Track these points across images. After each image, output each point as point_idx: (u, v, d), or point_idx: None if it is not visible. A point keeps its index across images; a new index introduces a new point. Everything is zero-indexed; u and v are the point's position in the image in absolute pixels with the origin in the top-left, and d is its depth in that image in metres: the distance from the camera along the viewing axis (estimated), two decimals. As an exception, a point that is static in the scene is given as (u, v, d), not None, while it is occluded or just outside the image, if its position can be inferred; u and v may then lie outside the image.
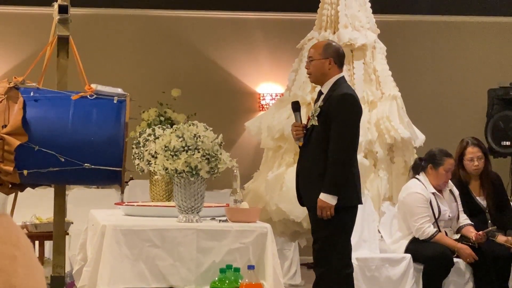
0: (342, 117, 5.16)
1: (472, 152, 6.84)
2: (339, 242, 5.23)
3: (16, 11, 10.37)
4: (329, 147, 5.13)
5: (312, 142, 5.24)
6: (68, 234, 6.03)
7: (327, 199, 5.10)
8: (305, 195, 5.32)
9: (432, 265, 6.38)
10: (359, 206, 5.34)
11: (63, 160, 4.99)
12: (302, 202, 5.42)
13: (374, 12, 7.59)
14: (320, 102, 5.25)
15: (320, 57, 5.30)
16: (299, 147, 5.40)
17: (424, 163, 6.69)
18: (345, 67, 7.23)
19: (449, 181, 6.71)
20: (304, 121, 5.42)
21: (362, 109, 5.40)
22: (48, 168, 5.02)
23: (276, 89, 10.77)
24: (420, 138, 7.34)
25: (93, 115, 5.09)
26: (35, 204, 6.97)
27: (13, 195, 5.58)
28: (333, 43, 5.52)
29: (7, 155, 5.00)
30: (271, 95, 10.76)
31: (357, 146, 5.34)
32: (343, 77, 5.37)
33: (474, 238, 6.47)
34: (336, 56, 5.33)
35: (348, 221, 5.30)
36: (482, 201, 6.88)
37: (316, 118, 5.21)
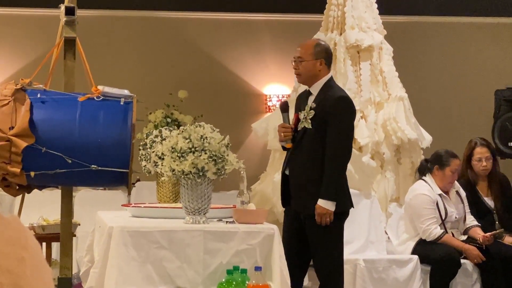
0: (340, 120, 5.02)
1: (480, 152, 6.84)
2: (337, 250, 5.15)
3: (23, 13, 10.39)
4: (326, 151, 4.98)
5: (305, 146, 5.09)
6: (75, 235, 6.03)
7: (326, 205, 4.96)
8: (299, 201, 5.15)
9: (439, 266, 6.37)
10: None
11: (70, 161, 4.99)
12: (284, 205, 5.28)
13: (380, 13, 7.59)
14: (312, 104, 5.11)
15: (311, 58, 5.16)
16: (286, 149, 5.26)
17: (430, 164, 6.69)
18: (352, 68, 7.26)
19: (456, 183, 6.71)
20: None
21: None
22: (55, 169, 5.03)
23: (282, 90, 10.76)
24: (427, 139, 7.34)
25: (100, 116, 5.09)
26: (42, 206, 6.97)
27: (20, 196, 5.59)
28: (322, 43, 5.37)
29: (14, 157, 5.01)
30: (278, 97, 10.75)
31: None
32: (332, 78, 5.25)
33: (481, 240, 6.47)
34: (326, 56, 5.21)
35: (343, 227, 5.19)
36: (489, 202, 6.88)
37: (309, 121, 5.07)
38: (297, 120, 5.17)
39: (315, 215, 4.98)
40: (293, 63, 5.25)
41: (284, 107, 5.31)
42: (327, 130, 5.00)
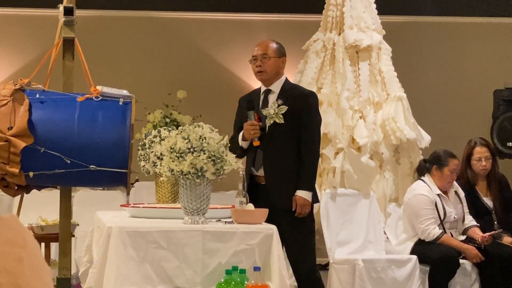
0: (314, 115, 5.25)
1: (480, 152, 6.85)
2: (312, 241, 5.23)
3: (21, 13, 10.39)
4: (303, 144, 5.14)
5: (278, 141, 5.18)
6: (74, 236, 6.03)
7: (307, 196, 5.10)
8: (279, 195, 5.14)
9: (438, 266, 6.37)
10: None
11: (68, 162, 4.99)
12: (254, 203, 5.18)
13: (379, 13, 7.59)
14: (278, 101, 5.21)
15: (276, 55, 5.34)
16: (244, 150, 5.28)
17: (428, 164, 6.69)
18: (350, 68, 7.26)
19: (455, 183, 6.71)
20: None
21: None
22: (54, 170, 5.02)
23: (281, 90, 10.74)
24: (425, 139, 7.34)
25: (99, 117, 5.09)
26: (41, 206, 6.96)
27: (19, 197, 5.59)
28: (279, 43, 5.49)
29: (13, 157, 5.01)
30: (277, 97, 10.74)
31: None
32: (286, 77, 5.44)
33: (479, 240, 6.47)
34: (285, 55, 5.42)
35: (314, 219, 5.31)
36: (488, 202, 6.89)
37: (281, 116, 5.16)
38: (259, 118, 5.23)
39: (297, 206, 5.06)
40: (256, 61, 5.34)
41: (250, 105, 5.33)
42: (301, 125, 5.16)
